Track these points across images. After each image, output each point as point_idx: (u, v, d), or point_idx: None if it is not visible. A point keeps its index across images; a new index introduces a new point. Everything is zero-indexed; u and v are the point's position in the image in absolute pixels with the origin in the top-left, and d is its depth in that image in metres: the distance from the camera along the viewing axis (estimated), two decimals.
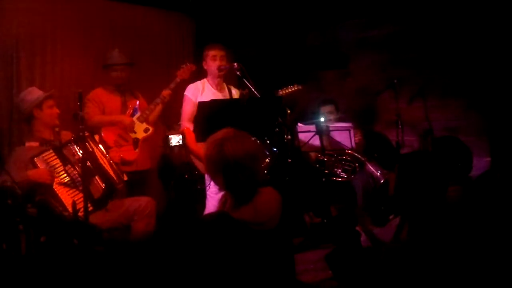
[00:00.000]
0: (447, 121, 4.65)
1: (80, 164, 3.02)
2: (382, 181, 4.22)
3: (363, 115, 5.24)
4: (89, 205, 2.97)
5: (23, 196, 2.91)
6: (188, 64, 4.12)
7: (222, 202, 2.07)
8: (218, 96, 3.69)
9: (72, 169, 3.06)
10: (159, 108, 4.04)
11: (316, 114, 4.72)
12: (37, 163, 2.99)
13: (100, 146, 3.33)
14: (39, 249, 2.70)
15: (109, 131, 3.88)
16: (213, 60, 3.67)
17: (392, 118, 4.45)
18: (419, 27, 4.87)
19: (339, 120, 4.77)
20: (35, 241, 2.71)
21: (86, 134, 3.24)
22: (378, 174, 4.26)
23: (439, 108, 4.61)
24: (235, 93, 3.82)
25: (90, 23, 4.56)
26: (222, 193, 2.87)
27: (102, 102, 3.96)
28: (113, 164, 3.34)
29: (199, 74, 3.98)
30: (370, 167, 4.32)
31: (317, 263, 3.39)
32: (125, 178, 3.40)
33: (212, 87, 3.74)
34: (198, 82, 3.76)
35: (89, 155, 3.16)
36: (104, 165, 3.24)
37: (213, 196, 3.47)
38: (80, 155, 3.06)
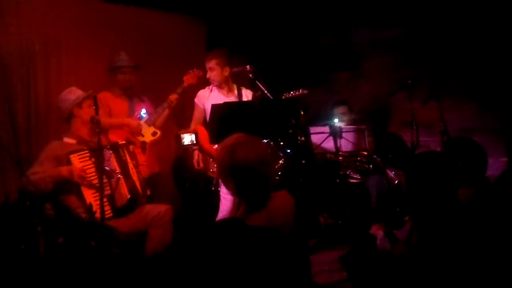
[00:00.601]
0: (462, 121, 4.60)
1: (111, 170, 3.10)
2: (396, 182, 4.20)
3: (376, 116, 5.21)
4: (110, 211, 3.04)
5: (50, 191, 3.00)
6: (195, 70, 4.15)
7: (236, 205, 2.06)
8: (225, 99, 3.70)
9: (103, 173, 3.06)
10: (166, 112, 4.06)
11: (329, 116, 4.72)
12: (72, 160, 3.05)
13: (134, 156, 3.38)
14: (57, 250, 2.73)
15: (117, 134, 3.88)
16: (209, 71, 3.74)
17: (406, 119, 4.42)
18: (432, 27, 4.84)
19: (352, 121, 4.77)
20: (53, 242, 2.75)
21: (123, 142, 3.35)
22: (393, 175, 4.24)
23: (454, 108, 4.57)
24: (246, 94, 3.85)
25: (103, 26, 4.61)
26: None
27: (108, 105, 3.98)
28: (141, 177, 3.36)
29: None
30: (385, 168, 4.30)
31: (331, 265, 3.38)
32: (148, 193, 3.42)
33: (219, 91, 3.78)
34: (206, 88, 3.84)
35: (121, 163, 3.23)
36: (133, 176, 3.28)
37: (226, 197, 3.49)
38: (114, 161, 3.15)
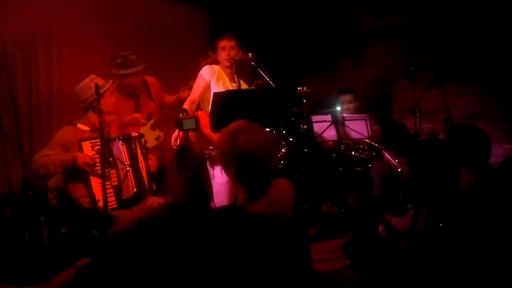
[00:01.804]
0: (466, 108, 4.58)
1: (120, 161, 3.10)
2: (399, 170, 4.19)
3: (379, 103, 5.19)
4: (114, 202, 3.04)
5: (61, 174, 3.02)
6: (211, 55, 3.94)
7: (232, 193, 2.03)
8: (228, 87, 3.67)
9: (111, 163, 3.07)
10: (174, 108, 3.94)
11: (334, 103, 4.71)
12: (83, 147, 3.04)
13: (144, 150, 3.35)
14: (60, 240, 2.75)
15: (118, 130, 3.80)
16: (223, 51, 3.66)
17: (409, 106, 4.40)
18: (435, 13, 4.79)
19: (357, 108, 4.74)
20: (56, 232, 2.76)
21: (136, 134, 3.31)
22: (396, 162, 4.23)
23: (457, 95, 4.54)
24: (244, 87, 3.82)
25: (105, 15, 4.59)
26: (229, 182, 2.87)
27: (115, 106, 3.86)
28: (149, 171, 3.33)
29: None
30: (387, 155, 4.30)
31: (334, 253, 3.39)
32: (155, 187, 3.40)
33: (224, 74, 3.73)
34: (214, 65, 3.74)
35: (132, 155, 3.21)
36: (142, 169, 3.26)
37: (221, 188, 3.49)
38: (124, 153, 3.14)
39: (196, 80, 3.71)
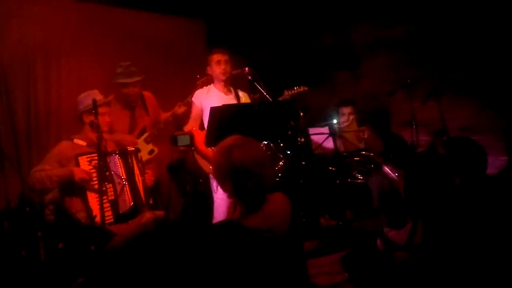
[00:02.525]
0: (462, 120, 4.59)
1: (116, 175, 3.09)
2: (398, 182, 4.19)
3: (376, 116, 5.21)
4: (111, 216, 3.03)
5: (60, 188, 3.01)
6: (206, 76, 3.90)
7: (232, 207, 2.03)
8: (224, 98, 3.68)
9: (107, 178, 3.07)
10: (169, 123, 3.93)
11: (332, 116, 4.71)
12: (80, 162, 3.04)
13: (141, 164, 3.33)
14: (57, 255, 2.74)
15: (115, 145, 3.77)
16: (218, 64, 3.66)
17: (406, 118, 4.42)
18: (431, 26, 4.83)
19: (355, 120, 4.75)
20: (53, 247, 2.76)
21: (132, 149, 3.31)
22: (395, 176, 4.22)
23: (453, 107, 4.56)
24: (242, 96, 3.83)
25: (103, 30, 4.63)
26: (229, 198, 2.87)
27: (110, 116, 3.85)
28: (146, 186, 3.32)
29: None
30: (386, 168, 4.29)
31: (332, 266, 3.37)
32: (151, 202, 3.37)
33: (218, 90, 3.74)
34: (204, 87, 3.78)
35: (128, 170, 3.21)
36: (138, 183, 3.25)
37: (221, 203, 3.49)
38: (121, 167, 3.14)
39: (191, 108, 3.76)
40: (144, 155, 3.76)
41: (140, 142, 3.87)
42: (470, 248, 2.19)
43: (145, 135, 3.92)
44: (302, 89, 3.87)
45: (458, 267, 2.19)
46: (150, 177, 3.42)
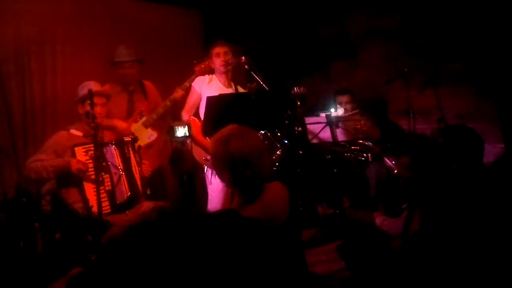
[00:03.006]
0: (459, 108, 4.59)
1: (113, 166, 3.08)
2: (396, 171, 4.19)
3: (373, 105, 5.20)
4: (108, 206, 3.02)
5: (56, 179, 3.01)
6: (206, 60, 3.85)
7: (229, 197, 2.02)
8: (224, 91, 3.67)
9: (104, 168, 3.05)
10: (168, 109, 3.88)
11: (329, 105, 4.71)
12: (76, 152, 3.03)
13: (137, 155, 3.32)
14: (55, 246, 2.74)
15: (111, 134, 3.68)
16: (217, 57, 3.68)
17: (403, 107, 4.42)
18: (428, 14, 4.81)
19: (354, 109, 4.74)
20: (50, 238, 2.75)
21: (128, 139, 3.29)
22: (393, 164, 4.23)
23: (450, 95, 4.55)
24: (240, 90, 3.82)
25: (99, 20, 4.61)
26: (224, 188, 2.87)
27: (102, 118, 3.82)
28: (143, 176, 3.31)
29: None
30: (383, 157, 4.30)
31: (330, 254, 3.39)
32: (149, 192, 3.37)
33: (219, 81, 3.75)
34: (206, 75, 3.77)
35: (125, 160, 3.20)
36: (135, 173, 3.24)
37: (215, 195, 3.50)
38: (117, 157, 3.13)
39: (190, 92, 3.73)
40: (143, 140, 3.77)
41: (139, 126, 3.84)
42: (466, 236, 2.20)
43: (143, 119, 3.86)
44: (301, 91, 3.85)
45: (454, 256, 2.20)
46: (147, 167, 3.41)
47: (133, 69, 3.94)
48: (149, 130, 3.87)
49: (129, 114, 3.92)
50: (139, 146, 3.44)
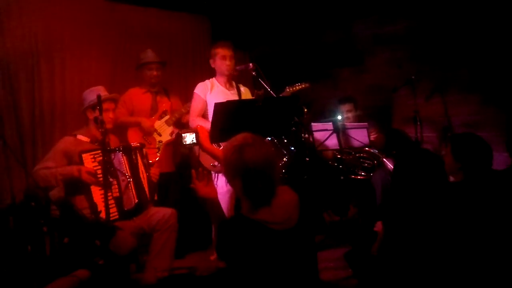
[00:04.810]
0: (466, 116, 4.58)
1: (120, 173, 3.10)
2: None
3: (380, 112, 5.20)
4: (116, 213, 3.04)
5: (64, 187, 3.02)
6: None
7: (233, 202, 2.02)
8: (227, 93, 3.71)
9: (112, 175, 3.06)
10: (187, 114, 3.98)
11: (334, 112, 4.72)
12: (84, 159, 3.03)
13: (145, 160, 3.34)
14: (63, 250, 2.75)
15: (135, 132, 3.95)
16: (223, 60, 3.69)
17: (410, 114, 4.41)
18: (435, 21, 4.81)
19: (357, 117, 4.75)
20: (59, 242, 2.77)
21: (136, 145, 3.32)
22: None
23: (457, 103, 4.55)
24: (244, 91, 3.86)
25: (107, 26, 4.62)
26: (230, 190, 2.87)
27: (132, 102, 4.04)
28: (151, 181, 3.33)
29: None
30: (389, 164, 4.29)
31: (337, 262, 3.39)
32: (156, 198, 3.41)
33: (221, 85, 3.77)
34: (207, 81, 3.79)
35: (133, 166, 3.21)
36: (143, 179, 3.26)
37: (220, 198, 3.50)
38: (125, 164, 3.15)
39: (193, 100, 3.77)
40: (165, 137, 4.01)
41: (162, 124, 4.03)
42: (475, 244, 2.19)
43: (166, 117, 4.06)
44: (304, 86, 3.87)
45: (460, 263, 2.20)
46: (155, 170, 3.44)
47: (159, 71, 4.13)
48: (171, 128, 4.04)
49: (153, 113, 4.08)
50: (146, 153, 3.46)
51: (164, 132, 4.02)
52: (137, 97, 4.07)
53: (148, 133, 3.96)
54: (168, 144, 4.03)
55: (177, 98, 4.33)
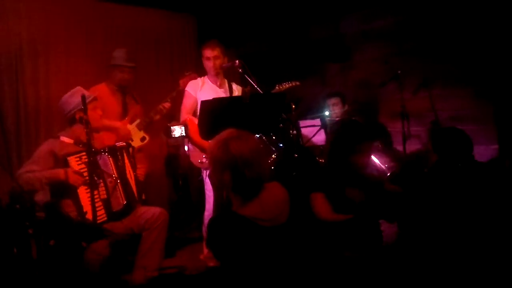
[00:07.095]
0: (453, 110, 4.60)
1: (107, 174, 3.06)
2: (388, 175, 4.18)
3: (367, 107, 5.22)
4: (104, 215, 3.00)
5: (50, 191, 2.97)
6: (191, 73, 3.99)
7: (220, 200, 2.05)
8: (218, 91, 3.72)
9: (99, 176, 3.02)
10: (157, 117, 3.97)
11: (321, 108, 4.72)
12: (70, 162, 2.99)
13: (132, 159, 3.29)
14: (49, 253, 2.72)
15: (108, 135, 3.76)
16: (207, 61, 3.71)
17: (397, 109, 4.43)
18: (421, 16, 4.83)
19: (345, 113, 4.75)
20: (45, 245, 2.73)
21: (122, 145, 3.27)
22: (384, 167, 4.21)
23: (444, 97, 4.57)
24: (236, 89, 3.85)
25: (92, 25, 4.59)
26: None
27: (102, 99, 3.79)
28: (138, 181, 3.30)
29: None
30: (375, 159, 4.28)
31: None
32: (144, 197, 3.37)
33: (212, 82, 3.78)
34: (199, 79, 3.81)
35: (119, 167, 3.17)
36: (130, 179, 3.22)
37: (211, 192, 3.50)
38: (111, 165, 3.11)
39: (184, 98, 3.75)
40: (136, 142, 3.85)
41: (132, 128, 3.91)
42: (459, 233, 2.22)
43: (137, 121, 3.94)
44: (294, 84, 3.87)
45: (447, 254, 2.22)
46: (142, 171, 3.41)
47: (131, 74, 4.01)
48: (142, 133, 3.93)
49: (123, 116, 3.97)
50: (133, 148, 3.43)
51: (135, 136, 3.88)
52: (107, 96, 3.90)
53: (125, 139, 3.78)
54: (140, 150, 3.87)
55: (141, 108, 4.16)
